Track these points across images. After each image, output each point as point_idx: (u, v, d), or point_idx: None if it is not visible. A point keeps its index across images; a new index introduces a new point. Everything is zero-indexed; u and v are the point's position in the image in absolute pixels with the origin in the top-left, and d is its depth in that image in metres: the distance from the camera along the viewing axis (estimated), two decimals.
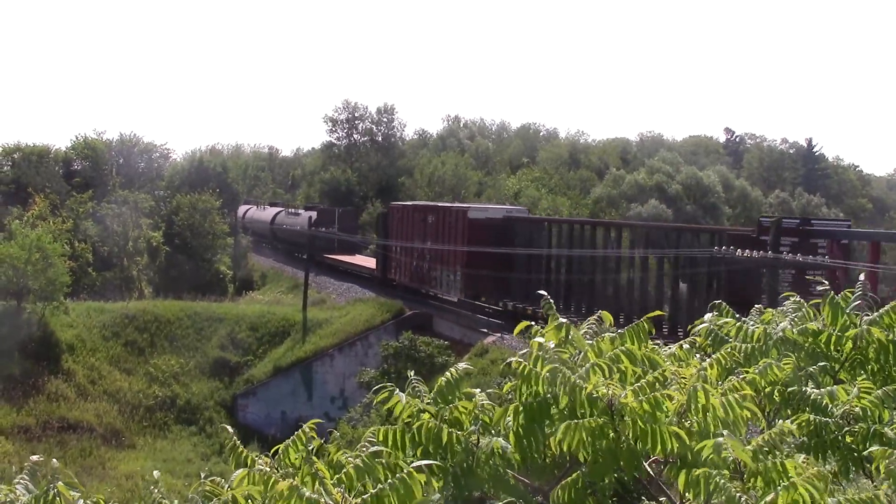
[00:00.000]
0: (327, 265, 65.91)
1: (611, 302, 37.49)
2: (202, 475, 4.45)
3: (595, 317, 5.31)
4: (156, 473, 4.67)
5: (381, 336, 48.08)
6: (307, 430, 4.67)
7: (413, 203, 59.32)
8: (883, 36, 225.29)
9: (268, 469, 4.14)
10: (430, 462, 4.27)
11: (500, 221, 45.82)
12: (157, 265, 68.83)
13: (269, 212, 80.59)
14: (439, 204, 56.56)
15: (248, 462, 4.36)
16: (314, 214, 68.97)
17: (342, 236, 63.98)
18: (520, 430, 4.69)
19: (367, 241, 60.79)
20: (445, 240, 46.94)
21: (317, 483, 4.13)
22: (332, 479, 4.23)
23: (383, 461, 4.37)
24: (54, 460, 4.40)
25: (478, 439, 4.69)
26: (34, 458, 4.32)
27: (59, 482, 4.18)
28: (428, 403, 4.90)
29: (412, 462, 4.51)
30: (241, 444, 4.69)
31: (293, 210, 76.84)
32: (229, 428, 4.94)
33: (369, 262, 61.99)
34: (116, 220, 67.20)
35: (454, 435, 4.64)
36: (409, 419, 4.76)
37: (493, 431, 4.79)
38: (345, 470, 4.28)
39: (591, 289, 40.63)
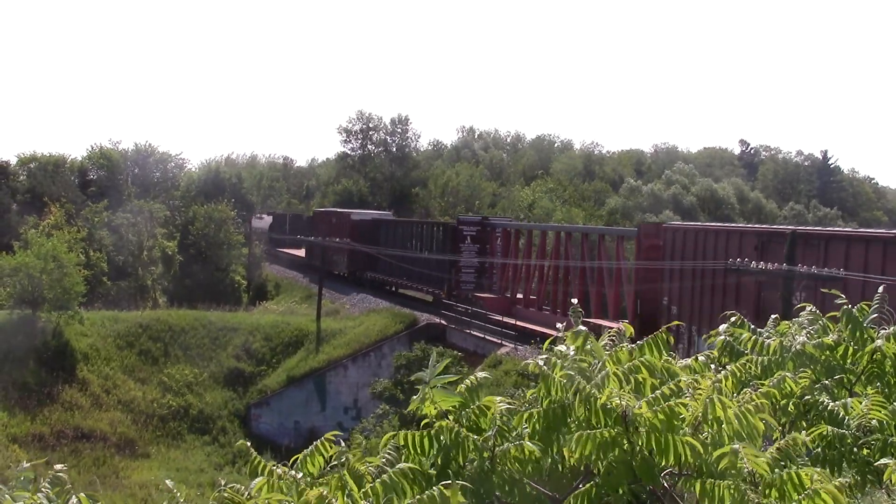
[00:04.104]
0: (281, 255, 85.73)
1: (423, 276, 55.10)
2: (222, 482, 4.43)
3: (616, 328, 5.30)
4: (169, 483, 4.62)
5: (395, 347, 48.12)
6: (328, 440, 4.67)
7: (325, 209, 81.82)
8: None
9: (293, 477, 4.13)
10: (461, 483, 4.25)
11: (371, 222, 65.89)
12: (171, 274, 69.01)
13: None
14: (337, 209, 77.21)
15: (265, 471, 4.35)
16: (272, 218, 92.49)
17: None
18: (537, 436, 4.69)
19: (307, 238, 74.24)
20: (340, 235, 64.27)
21: (345, 494, 4.12)
22: (358, 492, 4.22)
23: (408, 472, 4.36)
24: (58, 465, 4.38)
25: (494, 444, 4.68)
26: (25, 464, 4.31)
27: (82, 493, 4.18)
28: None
29: (432, 466, 4.52)
30: (250, 455, 4.70)
31: (259, 215, 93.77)
32: (247, 442, 4.93)
33: (303, 253, 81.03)
34: (131, 229, 67.43)
35: (471, 439, 4.64)
36: (429, 421, 4.75)
37: (509, 437, 4.78)
38: (371, 485, 4.26)
39: (414, 267, 55.48)
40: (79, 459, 41.92)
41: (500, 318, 46.26)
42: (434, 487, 4.09)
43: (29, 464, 4.30)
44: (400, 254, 57.43)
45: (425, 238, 57.63)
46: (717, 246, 32.94)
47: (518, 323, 45.57)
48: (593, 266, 43.05)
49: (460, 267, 51.77)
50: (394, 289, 62.12)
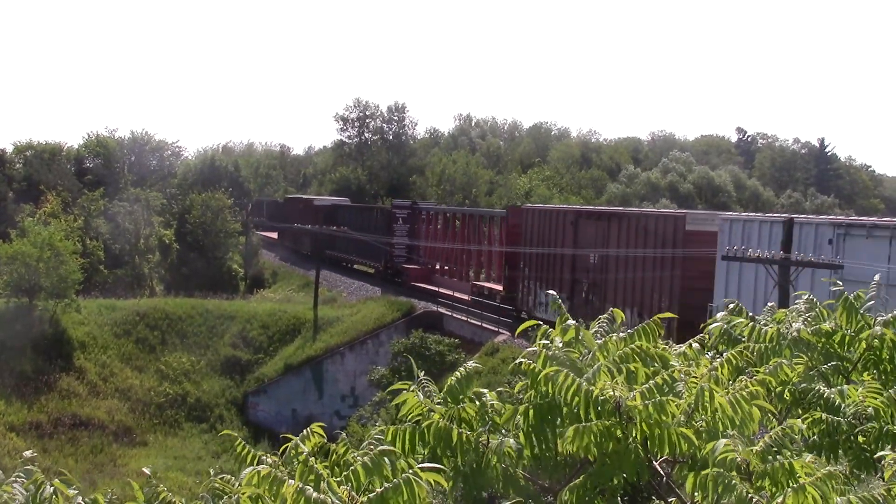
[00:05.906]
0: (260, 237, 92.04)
1: (368, 252, 63.66)
2: (212, 472, 4.40)
3: (607, 314, 5.27)
4: (146, 470, 4.58)
5: (392, 334, 48.10)
6: (314, 429, 4.63)
7: (294, 196, 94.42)
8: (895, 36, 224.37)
9: (272, 469, 4.10)
10: (437, 466, 4.22)
11: (331, 207, 75.15)
12: (168, 263, 68.93)
13: None
14: (303, 196, 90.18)
15: (253, 460, 4.32)
16: (251, 205, 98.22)
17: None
18: (530, 429, 4.66)
19: (283, 224, 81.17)
20: (305, 219, 70.69)
21: (322, 483, 4.09)
22: (338, 478, 4.18)
23: (391, 459, 4.33)
24: (27, 452, 4.34)
25: (487, 439, 4.65)
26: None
27: (56, 480, 4.15)
28: (438, 404, 4.86)
29: (421, 462, 4.48)
30: (246, 442, 4.66)
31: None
32: (233, 433, 4.90)
33: (275, 235, 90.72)
34: (128, 217, 67.32)
35: (464, 435, 4.60)
36: (419, 417, 4.72)
37: (503, 431, 4.75)
38: (352, 468, 4.24)
39: (361, 244, 64.14)
40: (76, 447, 41.95)
41: (418, 285, 57.41)
42: (410, 469, 4.07)
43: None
44: (344, 234, 65.06)
45: (370, 220, 67.40)
46: (552, 222, 42.92)
47: (428, 287, 56.31)
48: (483, 240, 54.31)
49: (394, 243, 61.86)
50: (348, 264, 70.88)
